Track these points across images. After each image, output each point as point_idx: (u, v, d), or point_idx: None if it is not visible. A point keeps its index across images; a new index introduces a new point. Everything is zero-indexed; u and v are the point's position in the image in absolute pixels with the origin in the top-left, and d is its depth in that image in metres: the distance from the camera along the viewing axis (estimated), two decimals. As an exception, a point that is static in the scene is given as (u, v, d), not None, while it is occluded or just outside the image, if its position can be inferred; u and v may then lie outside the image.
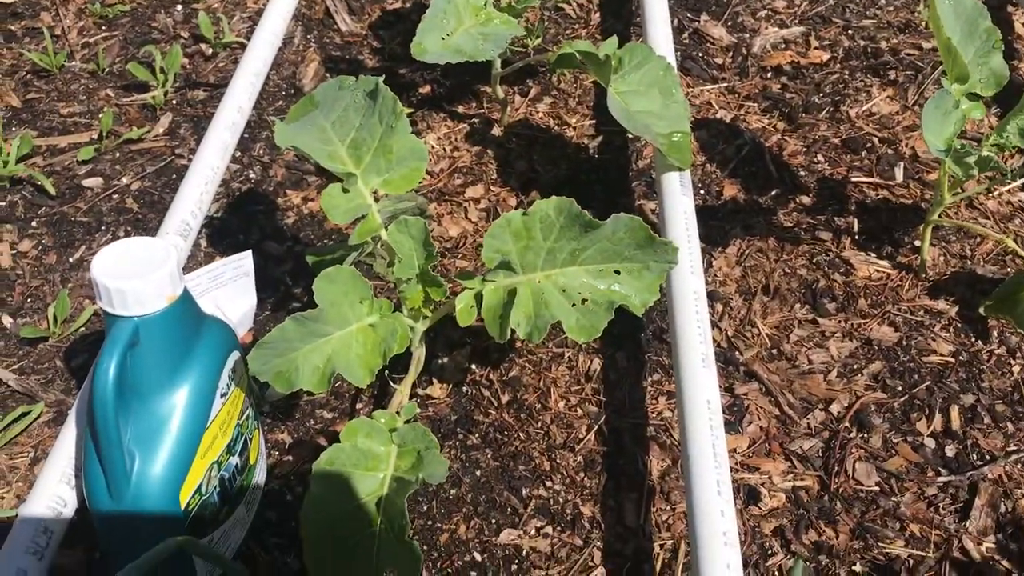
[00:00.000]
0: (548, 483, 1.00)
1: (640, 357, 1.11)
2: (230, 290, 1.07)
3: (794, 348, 1.13)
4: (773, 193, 1.33)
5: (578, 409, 1.06)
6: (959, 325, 1.16)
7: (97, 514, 0.80)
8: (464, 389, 1.09)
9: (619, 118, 1.12)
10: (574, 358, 1.12)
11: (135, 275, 0.75)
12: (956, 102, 1.04)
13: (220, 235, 1.25)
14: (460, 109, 1.45)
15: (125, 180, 1.32)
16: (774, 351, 1.13)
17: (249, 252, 1.08)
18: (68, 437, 0.91)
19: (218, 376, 0.83)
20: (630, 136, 1.40)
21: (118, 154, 1.36)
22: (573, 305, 0.88)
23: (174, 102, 1.45)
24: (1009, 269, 1.22)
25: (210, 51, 1.53)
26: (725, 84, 1.50)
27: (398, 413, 0.95)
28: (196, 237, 1.17)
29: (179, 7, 1.62)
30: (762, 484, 1.01)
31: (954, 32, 1.07)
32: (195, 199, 1.16)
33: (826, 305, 1.18)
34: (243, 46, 1.53)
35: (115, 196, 1.30)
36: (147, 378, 0.77)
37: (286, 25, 1.48)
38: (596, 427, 1.04)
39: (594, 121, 1.42)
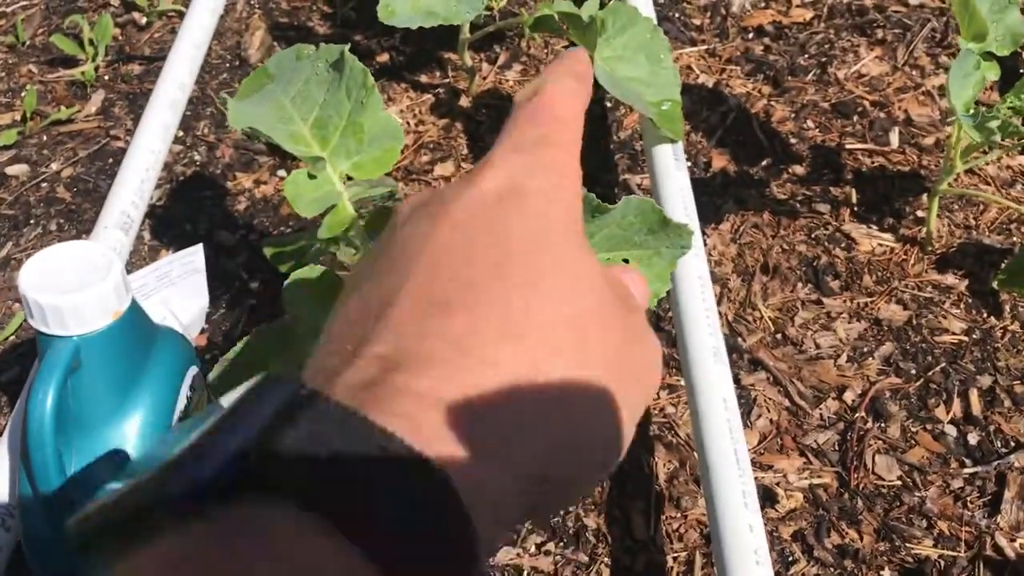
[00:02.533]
0: (546, 493, 0.91)
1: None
2: (180, 289, 0.96)
3: (799, 332, 1.05)
4: (764, 163, 1.24)
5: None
6: (969, 300, 1.09)
7: (37, 564, 0.69)
8: None
9: (607, 86, 1.02)
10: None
11: (73, 288, 0.63)
12: (977, 62, 0.95)
13: (165, 226, 1.12)
14: (423, 78, 1.34)
15: (54, 166, 1.19)
16: (779, 336, 1.05)
17: (200, 246, 0.96)
18: None
19: (175, 397, 0.72)
20: (608, 104, 1.31)
21: (45, 137, 1.23)
22: None
23: (106, 78, 1.31)
24: (1015, 238, 1.15)
25: (144, 20, 1.39)
26: (705, 47, 1.40)
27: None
28: (138, 229, 1.05)
29: (107, -28, 1.48)
30: (777, 483, 0.93)
31: (968, -15, 0.98)
32: (135, 187, 1.04)
33: (830, 283, 1.10)
34: (180, 14, 1.39)
35: (44, 185, 1.17)
36: (92, 406, 0.66)
37: (228, -10, 1.35)
38: (595, 428, 0.95)
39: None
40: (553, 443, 0.28)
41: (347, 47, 0.86)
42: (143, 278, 0.92)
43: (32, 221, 1.13)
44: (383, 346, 0.28)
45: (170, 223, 1.13)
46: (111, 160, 1.20)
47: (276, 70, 0.91)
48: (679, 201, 1.00)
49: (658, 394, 0.98)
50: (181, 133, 1.24)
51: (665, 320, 1.04)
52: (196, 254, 0.96)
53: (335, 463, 0.24)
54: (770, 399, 0.99)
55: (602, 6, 1.11)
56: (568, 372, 0.29)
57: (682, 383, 0.99)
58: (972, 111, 0.96)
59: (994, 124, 0.94)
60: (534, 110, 0.35)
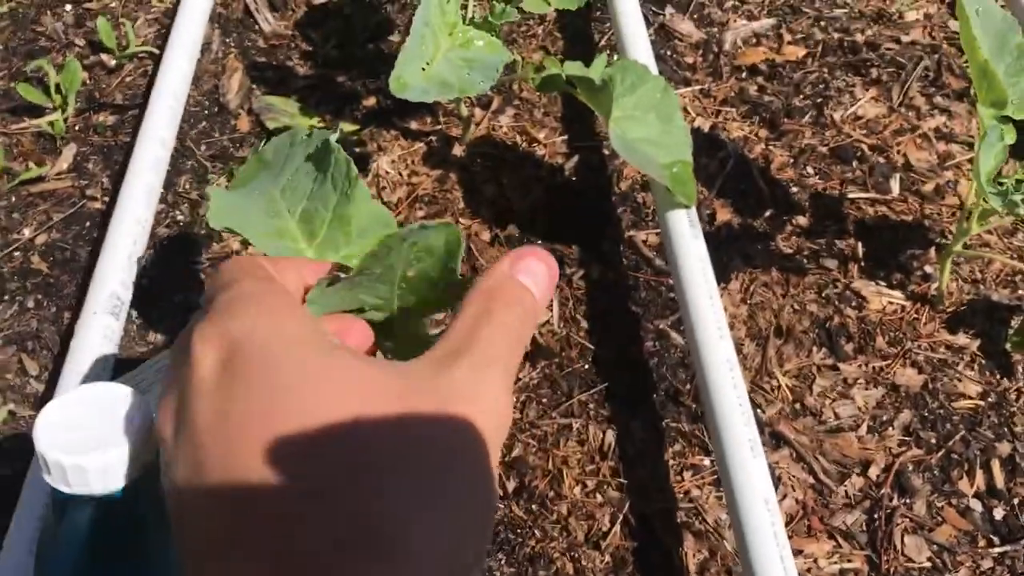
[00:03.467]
0: (576, 592, 0.88)
1: (656, 425, 0.99)
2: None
3: (818, 401, 1.03)
4: (767, 214, 1.21)
5: (597, 495, 0.94)
6: (983, 361, 1.07)
7: None
8: (462, 476, 0.95)
9: (620, 151, 0.98)
10: (583, 430, 0.99)
11: (98, 444, 0.58)
12: (1001, 133, 0.94)
13: (152, 299, 1.06)
14: (414, 125, 1.29)
15: (27, 232, 1.11)
16: (797, 406, 1.03)
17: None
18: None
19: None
20: (607, 153, 1.27)
21: (14, 199, 1.15)
22: None
23: (77, 128, 1.23)
24: (1021, 291, 1.15)
25: (113, 62, 1.32)
26: (699, 87, 1.37)
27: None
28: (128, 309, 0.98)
29: (68, 7, 1.39)
30: (808, 570, 0.91)
31: (987, 51, 0.96)
32: (123, 265, 0.97)
33: (844, 346, 1.08)
34: (152, 56, 1.32)
35: (16, 254, 1.10)
36: (122, 570, 0.60)
37: (203, 30, 1.28)
38: (621, 516, 0.92)
39: (565, 137, 1.27)
40: None
41: (334, 136, 0.78)
42: (141, 375, 0.86)
43: (6, 296, 1.06)
44: None
45: (158, 296, 1.06)
46: (88, 224, 1.13)
47: (272, 156, 0.82)
48: (699, 273, 0.96)
49: (681, 475, 0.96)
50: (162, 191, 1.17)
51: (684, 394, 1.01)
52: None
53: None
54: (795, 477, 0.97)
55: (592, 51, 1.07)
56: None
57: (705, 463, 0.96)
58: (991, 183, 0.94)
59: (1018, 198, 0.92)
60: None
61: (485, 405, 0.34)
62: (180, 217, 1.15)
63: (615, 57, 1.19)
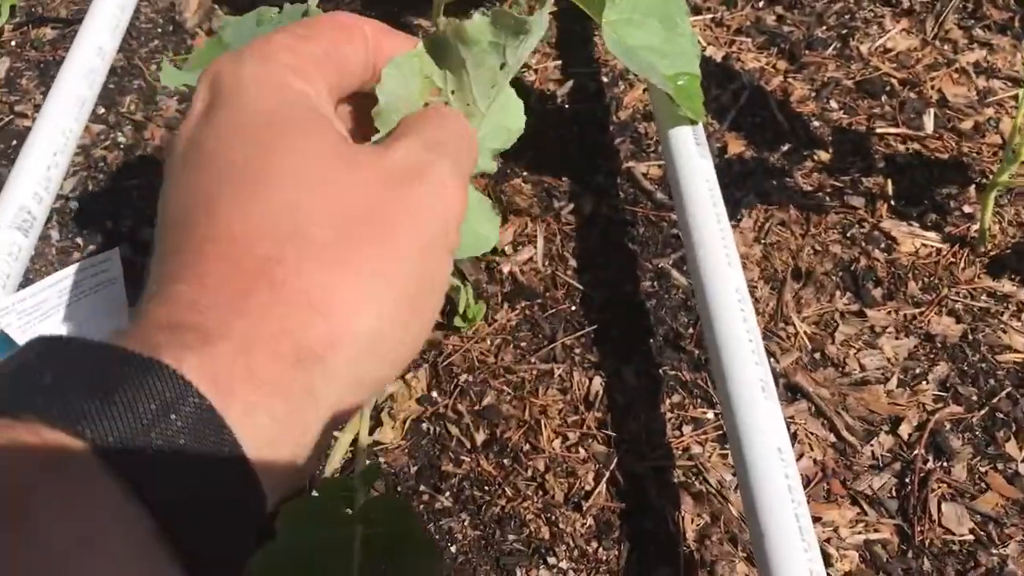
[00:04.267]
0: (551, 559, 0.74)
1: (652, 372, 0.85)
2: (91, 304, 0.77)
3: (841, 350, 0.89)
4: (785, 149, 1.07)
5: (580, 449, 0.80)
6: (1031, 311, 0.93)
7: None
8: (424, 426, 0.81)
9: (619, 56, 0.84)
10: (567, 376, 0.85)
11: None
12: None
13: (79, 223, 0.93)
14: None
15: (-56, 149, 0.99)
16: (817, 355, 0.89)
17: (115, 251, 0.77)
18: None
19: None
20: (605, 80, 1.13)
21: (-65, 113, 1.02)
22: None
23: (13, 43, 1.11)
24: (1074, 237, 1.00)
25: (59, -24, 1.19)
26: (711, 15, 1.23)
27: (349, 476, 0.67)
28: (45, 227, 0.85)
29: (17, -80, 1.27)
30: (827, 540, 0.77)
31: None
32: (39, 176, 0.84)
33: (871, 291, 0.94)
34: (103, -30, 1.19)
35: (-70, 171, 0.97)
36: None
37: (159, -59, 1.15)
38: (607, 474, 0.78)
39: (559, 63, 1.14)
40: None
41: (315, 2, 0.67)
42: (40, 293, 0.73)
43: (-86, 216, 0.93)
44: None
45: (86, 219, 0.93)
46: (15, 142, 1.00)
47: (232, 38, 0.71)
48: (706, 195, 0.82)
49: (680, 430, 0.82)
50: (102, 110, 1.04)
51: (686, 338, 0.87)
52: (111, 260, 0.77)
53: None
54: (813, 434, 0.83)
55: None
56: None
57: (708, 416, 0.83)
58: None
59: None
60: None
61: (429, 187, 0.35)
62: (121, 139, 1.02)
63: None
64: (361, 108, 0.40)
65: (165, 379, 0.27)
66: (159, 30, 1.14)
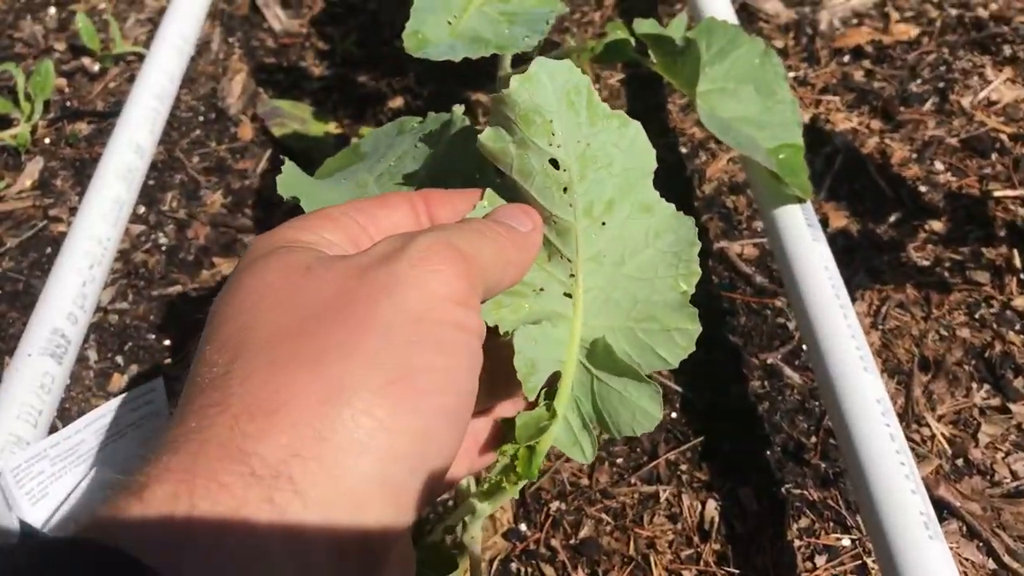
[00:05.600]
0: None
1: (773, 491, 0.74)
2: (131, 443, 0.67)
3: (987, 454, 0.77)
4: (893, 219, 0.96)
5: (699, 591, 0.68)
6: None
7: None
8: (513, 567, 0.70)
9: (714, 130, 0.75)
10: (675, 500, 0.74)
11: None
12: None
13: (118, 339, 0.84)
14: (448, 127, 1.06)
15: (-26, 261, 0.91)
16: (959, 462, 0.77)
17: (159, 381, 0.68)
18: None
19: None
20: (684, 151, 1.03)
21: (-36, 222, 0.95)
22: None
23: (47, 141, 1.03)
24: None
25: (96, 67, 1.12)
26: (793, 73, 1.13)
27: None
28: (80, 349, 0.77)
29: (52, 10, 1.21)
30: None
31: None
32: (74, 294, 0.76)
33: (1012, 382, 0.82)
34: (141, 58, 1.12)
35: (-41, 287, 0.89)
36: None
37: (199, 26, 1.08)
38: (733, 621, 0.67)
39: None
40: None
41: (461, 108, 0.57)
42: (75, 435, 0.63)
43: (-60, 338, 0.85)
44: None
45: (126, 335, 0.85)
46: (49, 250, 0.92)
47: (370, 147, 0.61)
48: (826, 285, 0.72)
49: (812, 561, 0.70)
50: (142, 209, 0.96)
51: (809, 449, 0.76)
52: (155, 391, 0.68)
53: None
54: (969, 561, 0.70)
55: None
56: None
57: (844, 542, 0.71)
58: None
59: None
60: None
61: (407, 260, 0.32)
62: (163, 240, 0.93)
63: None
64: None
65: (101, 556, 0.24)
66: (200, 118, 1.07)
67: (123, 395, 0.67)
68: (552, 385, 0.41)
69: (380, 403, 0.29)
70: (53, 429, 0.70)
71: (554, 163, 0.39)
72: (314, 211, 0.37)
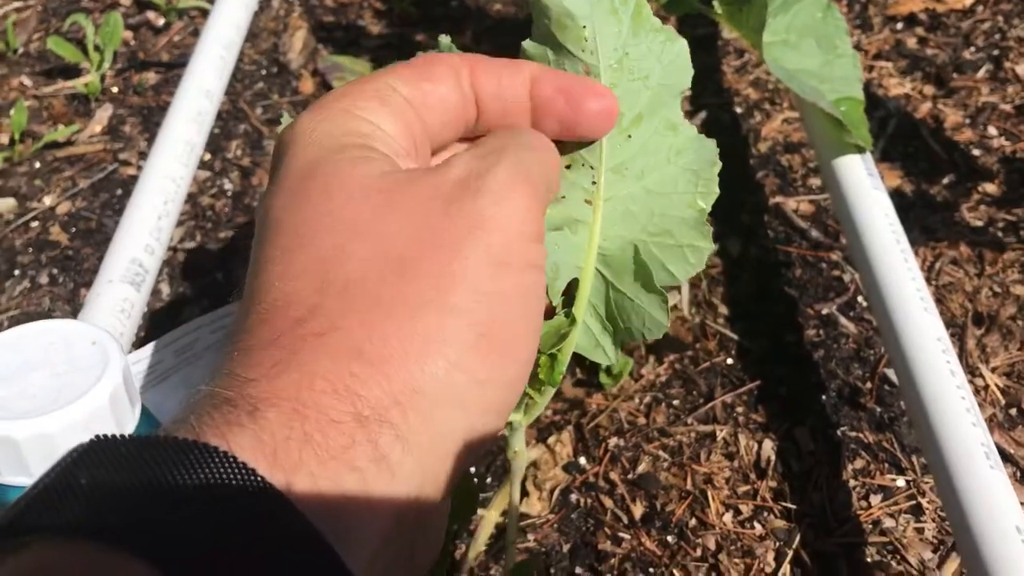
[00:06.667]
0: (735, 655, 0.64)
1: (829, 433, 0.75)
2: (209, 364, 0.70)
3: (1041, 405, 0.78)
4: (946, 181, 0.97)
5: (756, 524, 0.70)
6: None
7: None
8: (573, 497, 0.72)
9: (783, 78, 0.76)
10: (731, 440, 0.75)
11: (40, 408, 0.38)
12: None
13: (189, 275, 0.87)
14: (505, 84, 1.08)
15: (48, 200, 0.94)
16: (1013, 412, 0.78)
17: (235, 305, 0.70)
18: None
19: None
20: (739, 111, 1.04)
21: (38, 164, 0.98)
22: None
23: (115, 89, 1.06)
24: None
25: (161, 21, 1.15)
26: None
27: (499, 561, 0.58)
28: (155, 282, 0.79)
29: (116, -34, 1.23)
30: (1056, 632, 0.65)
31: None
32: (151, 227, 0.78)
33: (1066, 338, 0.83)
34: (204, 13, 1.15)
35: (35, 224, 0.92)
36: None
37: (262, -19, 1.10)
38: (789, 553, 0.68)
39: (688, 93, 1.06)
40: None
41: (447, 37, 0.59)
42: (155, 354, 0.66)
43: (18, 271, 0.88)
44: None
45: (196, 271, 0.87)
46: (120, 191, 0.95)
47: None
48: (887, 230, 0.73)
49: (867, 500, 0.71)
50: (208, 156, 0.99)
51: (864, 394, 0.77)
52: (231, 314, 0.70)
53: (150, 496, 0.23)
54: (1022, 504, 0.71)
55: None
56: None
57: (899, 483, 0.72)
58: None
59: None
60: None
61: (488, 195, 0.31)
62: (228, 186, 0.96)
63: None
64: None
65: (220, 464, 0.24)
66: (263, 72, 1.09)
67: (200, 317, 0.70)
68: (570, 293, 0.42)
69: (472, 357, 0.29)
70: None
71: (588, 70, 0.39)
72: (357, 85, 0.33)
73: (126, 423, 0.41)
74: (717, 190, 0.40)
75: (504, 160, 0.32)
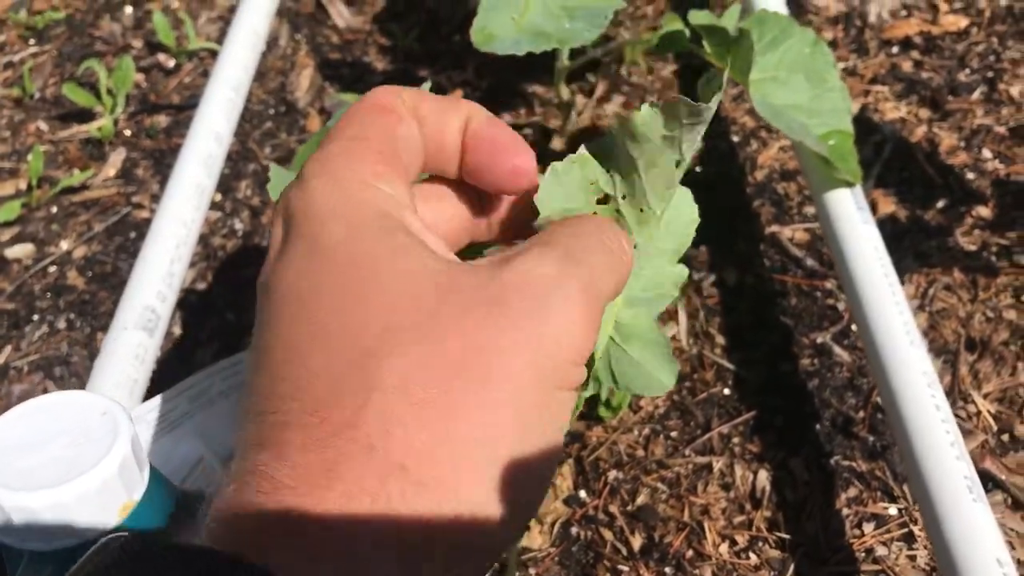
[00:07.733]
0: None
1: (823, 463, 0.77)
2: (221, 411, 0.72)
3: (1033, 431, 0.80)
4: (940, 205, 0.99)
5: (751, 554, 0.72)
6: None
7: None
8: (573, 531, 0.74)
9: (767, 117, 0.78)
10: (728, 470, 0.77)
11: (55, 479, 0.40)
12: None
13: (201, 317, 0.90)
14: (507, 118, 1.11)
15: (64, 245, 0.97)
16: (1005, 437, 0.79)
17: (246, 354, 0.73)
18: None
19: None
20: (735, 139, 1.06)
21: (54, 209, 1.01)
22: None
23: (127, 133, 1.09)
24: None
25: (171, 63, 1.18)
26: (844, 64, 1.16)
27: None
28: (167, 326, 0.82)
29: (128, 9, 1.27)
30: (1046, 657, 0.67)
31: None
32: (163, 273, 0.81)
33: (1058, 362, 0.84)
34: (214, 54, 1.18)
35: (52, 269, 0.95)
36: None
37: (269, 22, 1.13)
38: (784, 583, 0.70)
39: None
40: None
41: (428, 84, 0.62)
42: (171, 401, 0.69)
43: (36, 316, 0.91)
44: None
45: (208, 313, 0.90)
46: (134, 234, 0.98)
47: None
48: (875, 264, 0.75)
49: (860, 528, 0.73)
50: (218, 196, 1.02)
51: (857, 423, 0.79)
52: (241, 363, 0.73)
53: None
54: (1013, 531, 0.73)
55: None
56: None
57: (891, 511, 0.74)
58: None
59: None
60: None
61: (553, 315, 0.29)
62: (239, 226, 0.99)
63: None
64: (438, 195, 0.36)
65: None
66: (271, 111, 1.12)
67: (212, 366, 0.72)
68: None
69: (495, 475, 0.28)
70: (146, 398, 0.75)
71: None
72: (361, 143, 0.32)
73: (135, 488, 0.43)
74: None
75: (578, 276, 0.31)
